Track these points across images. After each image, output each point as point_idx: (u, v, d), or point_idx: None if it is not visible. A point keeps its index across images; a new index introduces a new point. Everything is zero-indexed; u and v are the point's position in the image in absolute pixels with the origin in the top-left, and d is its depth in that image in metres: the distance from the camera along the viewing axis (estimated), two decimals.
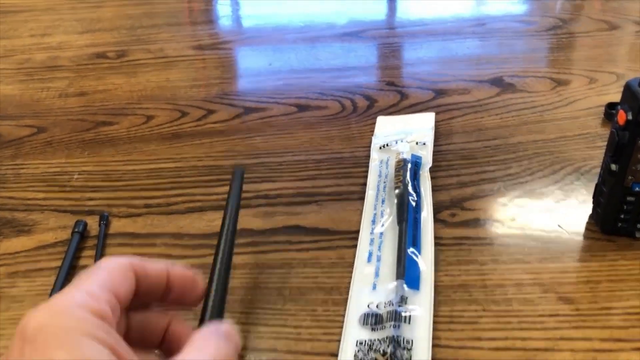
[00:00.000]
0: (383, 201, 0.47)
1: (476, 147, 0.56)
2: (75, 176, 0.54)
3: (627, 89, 0.40)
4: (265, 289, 0.42)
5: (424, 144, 0.54)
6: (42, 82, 0.70)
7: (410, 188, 0.47)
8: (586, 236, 0.45)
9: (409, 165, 0.50)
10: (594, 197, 0.47)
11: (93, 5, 0.92)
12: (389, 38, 0.79)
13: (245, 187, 0.51)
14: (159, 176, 0.54)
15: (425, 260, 0.42)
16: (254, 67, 0.72)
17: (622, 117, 0.40)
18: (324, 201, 0.50)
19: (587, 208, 0.47)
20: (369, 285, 0.41)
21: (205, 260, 0.44)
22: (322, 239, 0.46)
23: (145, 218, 0.49)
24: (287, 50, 0.76)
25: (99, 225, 0.48)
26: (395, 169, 0.50)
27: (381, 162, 0.52)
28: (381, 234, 0.44)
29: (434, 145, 0.55)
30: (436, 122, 0.60)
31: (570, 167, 0.52)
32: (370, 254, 0.43)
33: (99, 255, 0.45)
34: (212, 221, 0.48)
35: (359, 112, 0.62)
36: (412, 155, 0.52)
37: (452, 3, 0.90)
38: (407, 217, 0.44)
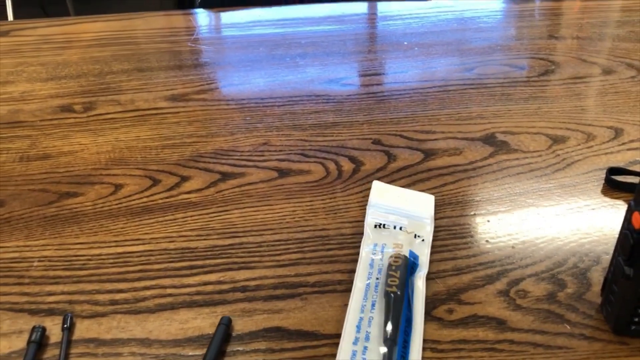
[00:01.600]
0: (373, 305, 0.43)
1: (472, 222, 0.52)
2: (35, 264, 0.49)
3: None
4: None
5: (423, 240, 0.49)
6: (1, 142, 0.65)
7: (407, 297, 0.43)
8: (597, 337, 0.41)
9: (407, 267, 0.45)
10: (602, 291, 0.43)
11: (58, 47, 0.87)
12: (373, 87, 0.75)
13: (221, 276, 0.47)
14: (126, 263, 0.49)
15: None
16: (230, 122, 0.67)
17: (637, 220, 0.36)
18: (308, 294, 0.45)
19: (594, 297, 0.44)
20: None
21: None
22: (307, 345, 0.41)
23: (111, 319, 0.44)
24: (266, 104, 0.72)
25: (62, 330, 0.43)
26: (392, 267, 0.45)
27: (375, 247, 0.48)
28: (365, 348, 0.40)
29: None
30: (427, 190, 0.56)
31: (574, 257, 0.48)
32: None
33: None
34: (185, 323, 0.43)
35: (345, 177, 0.58)
36: (410, 252, 0.47)
37: (435, 44, 0.86)
38: (397, 339, 0.40)
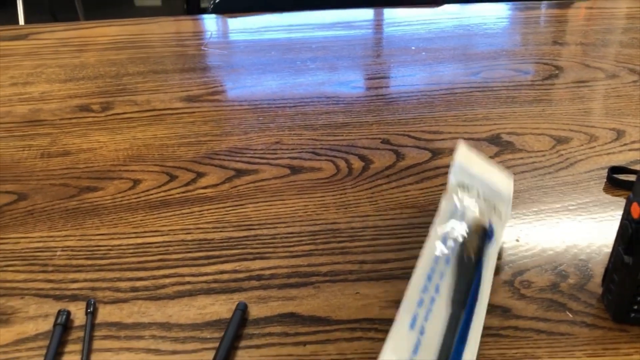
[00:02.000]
0: (447, 261, 0.42)
1: None
2: (58, 253, 0.51)
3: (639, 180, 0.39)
4: None
5: (500, 217, 0.47)
6: (23, 139, 0.68)
7: (480, 265, 0.42)
8: (597, 325, 0.43)
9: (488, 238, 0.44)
10: (603, 281, 0.45)
11: (76, 50, 0.89)
12: (382, 89, 0.77)
13: (237, 265, 0.49)
14: (145, 253, 0.51)
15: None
16: (244, 122, 0.70)
17: (636, 210, 0.38)
18: (321, 282, 0.47)
19: (595, 287, 0.45)
20: None
21: (195, 356, 0.42)
22: (320, 329, 0.43)
23: (132, 304, 0.46)
24: (277, 103, 0.74)
25: (86, 314, 0.45)
26: (472, 232, 0.43)
27: (457, 207, 0.46)
28: (429, 311, 0.38)
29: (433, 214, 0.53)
30: (434, 187, 0.58)
31: (576, 249, 0.50)
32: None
33: (87, 351, 0.42)
34: (203, 308, 0.45)
35: (354, 174, 0.60)
36: (489, 224, 0.45)
37: (442, 49, 0.88)
38: (466, 301, 0.39)
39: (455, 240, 0.43)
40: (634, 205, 0.38)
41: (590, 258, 0.49)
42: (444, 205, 0.46)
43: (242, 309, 0.44)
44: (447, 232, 0.43)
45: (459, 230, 0.44)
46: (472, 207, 0.46)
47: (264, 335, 0.43)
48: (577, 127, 0.66)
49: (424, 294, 0.39)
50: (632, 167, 0.59)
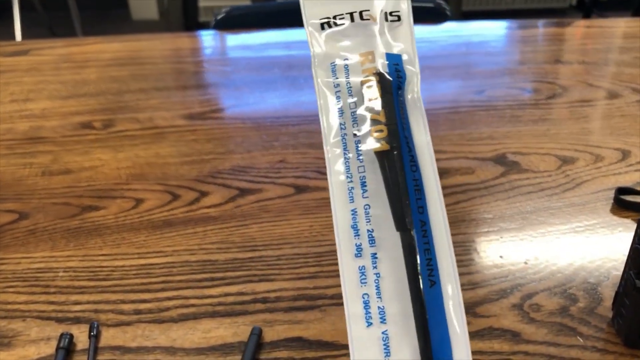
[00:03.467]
0: (363, 183, 0.30)
1: (485, 239, 0.53)
2: (60, 274, 0.51)
3: None
4: None
5: (399, 19, 0.31)
6: (24, 157, 0.67)
7: (405, 150, 0.29)
8: (609, 350, 0.42)
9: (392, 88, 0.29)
10: (613, 305, 0.44)
11: (77, 66, 0.89)
12: None
13: (242, 288, 0.49)
14: (149, 274, 0.50)
15: (448, 282, 0.29)
16: (247, 140, 0.69)
17: None
18: (327, 306, 0.47)
19: (605, 311, 0.45)
20: None
21: None
22: (327, 354, 0.43)
23: (136, 327, 0.45)
24: (281, 122, 0.74)
25: (89, 337, 0.44)
26: (367, 99, 0.29)
27: (333, 67, 0.30)
28: (374, 257, 0.29)
29: None
30: None
31: (584, 271, 0.50)
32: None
33: None
34: (208, 332, 0.44)
35: None
36: (388, 56, 0.30)
37: (445, 67, 0.88)
38: (412, 218, 0.28)
39: (356, 133, 0.29)
40: None
41: (600, 281, 0.48)
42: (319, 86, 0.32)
43: (257, 334, 0.44)
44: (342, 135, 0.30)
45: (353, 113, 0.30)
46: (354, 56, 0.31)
47: None
48: (582, 147, 0.66)
49: (357, 238, 0.29)
50: (639, 189, 0.58)
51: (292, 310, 0.46)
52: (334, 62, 0.31)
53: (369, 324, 0.29)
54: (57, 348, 0.43)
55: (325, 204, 0.59)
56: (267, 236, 0.54)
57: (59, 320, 0.46)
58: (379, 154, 0.28)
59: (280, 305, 0.47)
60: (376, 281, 0.29)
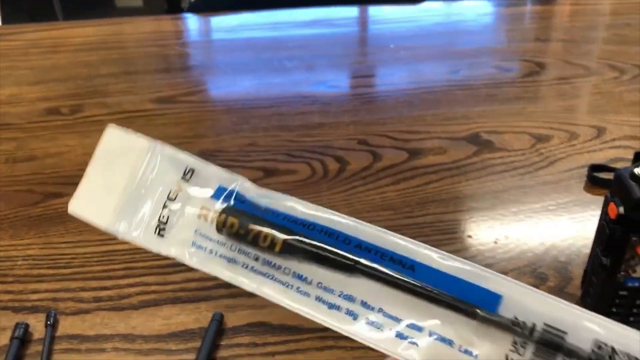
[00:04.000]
0: None
1: (454, 219, 0.52)
2: (19, 263, 0.49)
3: (618, 180, 0.37)
4: None
5: None
6: None
7: None
8: None
9: None
10: (582, 283, 0.43)
11: (46, 51, 0.87)
12: (360, 89, 0.75)
13: (205, 273, 0.47)
14: (111, 261, 0.49)
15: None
16: (217, 124, 0.68)
17: (613, 210, 0.37)
18: None
19: (575, 290, 0.44)
20: None
21: None
22: (290, 338, 0.42)
23: (95, 315, 0.44)
24: (251, 104, 0.72)
25: (45, 326, 0.43)
26: None
27: None
28: None
29: (410, 216, 0.52)
30: (411, 188, 0.56)
31: (555, 250, 0.49)
32: None
33: None
34: (169, 318, 0.43)
35: (330, 176, 0.59)
36: None
37: (422, 47, 0.87)
38: None
39: None
40: (611, 205, 0.37)
41: (570, 260, 0.47)
42: None
43: (218, 320, 0.42)
44: None
45: None
46: None
47: (231, 347, 0.41)
48: (557, 125, 0.65)
49: None
50: (612, 165, 0.57)
51: (255, 295, 0.45)
52: None
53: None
54: (12, 338, 0.42)
55: (294, 187, 0.57)
56: None
57: (16, 310, 0.45)
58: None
59: (244, 291, 0.46)
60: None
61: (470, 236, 0.50)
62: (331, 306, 0.26)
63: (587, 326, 0.24)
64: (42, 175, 0.60)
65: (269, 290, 0.27)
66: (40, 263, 0.49)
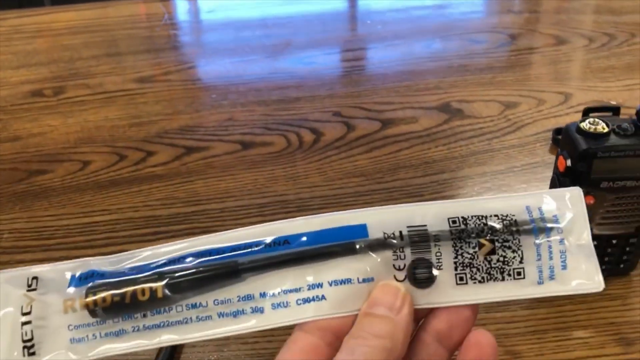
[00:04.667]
0: None
1: (423, 182, 0.54)
2: (5, 236, 0.51)
3: (566, 134, 0.39)
4: None
5: None
6: None
7: None
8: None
9: None
10: None
11: (29, 36, 0.88)
12: (335, 64, 0.77)
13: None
14: (92, 231, 0.51)
15: None
16: (196, 102, 0.70)
17: (562, 163, 0.39)
18: None
19: None
20: None
21: None
22: None
23: None
24: (232, 81, 0.74)
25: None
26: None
27: None
28: None
29: (380, 182, 0.54)
30: (382, 155, 0.58)
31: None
32: None
33: None
34: None
35: (305, 147, 0.61)
36: None
37: (398, 22, 0.88)
38: None
39: None
40: (560, 158, 0.39)
41: None
42: None
43: None
44: None
45: None
46: None
47: None
48: (526, 92, 0.67)
49: None
50: None
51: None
52: None
53: None
54: None
55: (270, 158, 0.59)
56: (211, 191, 0.55)
57: None
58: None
59: None
60: None
61: (436, 199, 0.52)
62: (236, 313, 0.27)
63: (438, 212, 0.27)
64: (26, 154, 0.62)
65: (172, 335, 0.27)
66: (26, 235, 0.51)
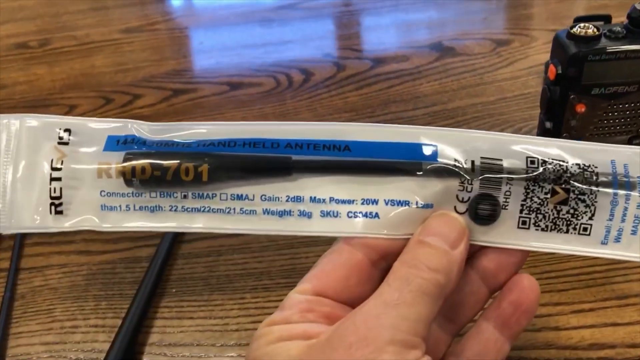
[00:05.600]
0: None
1: (414, 115, 0.54)
2: None
3: (556, 41, 0.38)
4: (190, 279, 0.39)
5: None
6: None
7: None
8: None
9: None
10: None
11: None
12: (326, 9, 0.76)
13: None
14: None
15: None
16: (183, 48, 0.69)
17: (552, 71, 0.38)
18: None
19: None
20: None
21: (126, 254, 0.41)
22: (248, 244, 0.43)
23: None
24: (219, 28, 0.73)
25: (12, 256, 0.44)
26: None
27: None
28: None
29: (371, 116, 0.53)
30: (373, 92, 0.57)
31: (510, 129, 0.50)
32: None
33: (16, 257, 0.42)
34: None
35: (295, 86, 0.60)
36: None
37: None
38: None
39: None
40: (550, 67, 0.38)
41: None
42: None
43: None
44: None
45: None
46: None
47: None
48: (518, 31, 0.66)
49: None
50: None
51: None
52: None
53: None
54: None
55: (259, 97, 0.58)
56: None
57: None
58: None
59: None
60: None
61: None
62: (282, 213, 0.25)
63: (516, 149, 0.25)
64: (12, 100, 0.61)
65: (211, 223, 0.25)
66: None
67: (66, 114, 0.58)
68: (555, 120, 0.39)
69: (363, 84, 0.59)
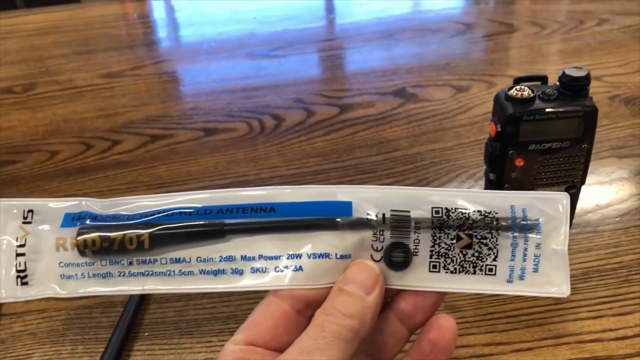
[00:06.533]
0: None
1: (377, 160, 0.57)
2: None
3: (496, 101, 0.42)
4: (162, 323, 0.42)
5: None
6: None
7: None
8: None
9: None
10: None
11: (0, 38, 0.90)
12: (296, 54, 0.80)
13: None
14: None
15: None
16: (162, 93, 0.72)
17: (492, 129, 0.42)
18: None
19: None
20: None
21: (102, 299, 0.44)
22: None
23: None
24: (197, 73, 0.76)
25: None
26: None
27: None
28: None
29: (337, 161, 0.57)
30: (339, 138, 0.61)
31: (464, 174, 0.54)
32: None
33: None
34: None
35: (267, 132, 0.63)
36: None
37: (356, 13, 0.91)
38: None
39: None
40: (492, 125, 0.42)
41: (480, 184, 0.52)
42: None
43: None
44: None
45: None
46: None
47: None
48: (478, 77, 0.70)
49: None
50: None
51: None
52: None
53: None
54: None
55: (232, 143, 0.62)
56: (174, 174, 0.57)
57: None
58: None
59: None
60: None
61: (388, 175, 0.55)
62: (217, 272, 0.28)
63: (423, 201, 0.28)
64: None
65: (154, 285, 0.28)
66: None
67: (48, 159, 0.61)
68: (497, 173, 0.43)
69: (331, 129, 0.63)
